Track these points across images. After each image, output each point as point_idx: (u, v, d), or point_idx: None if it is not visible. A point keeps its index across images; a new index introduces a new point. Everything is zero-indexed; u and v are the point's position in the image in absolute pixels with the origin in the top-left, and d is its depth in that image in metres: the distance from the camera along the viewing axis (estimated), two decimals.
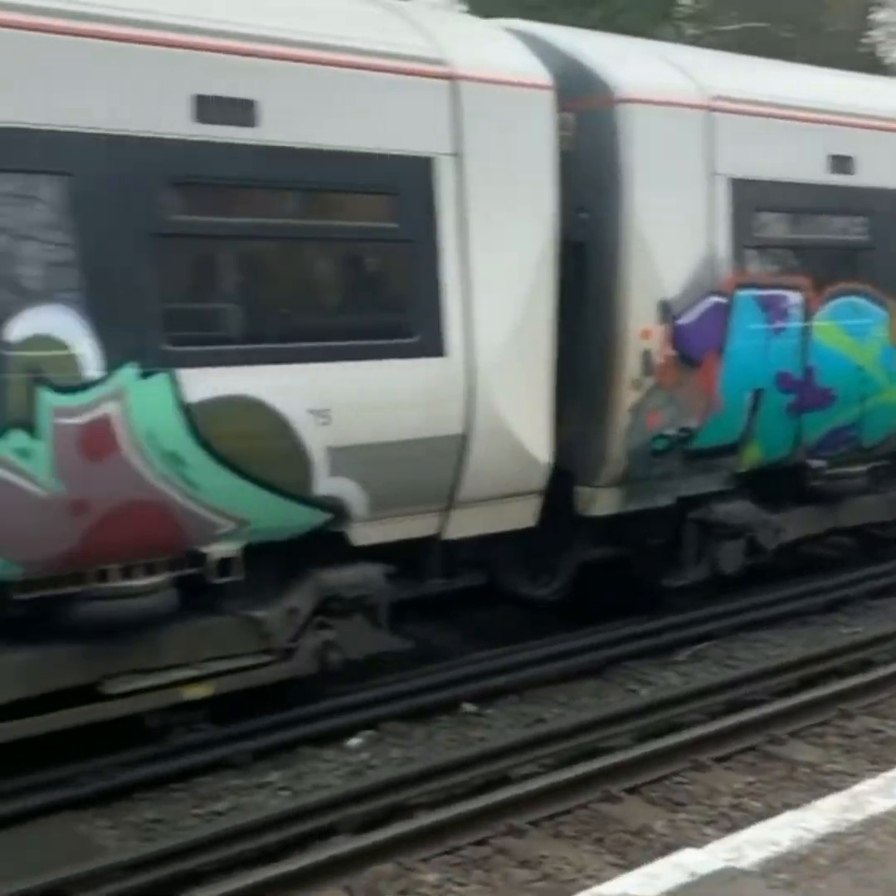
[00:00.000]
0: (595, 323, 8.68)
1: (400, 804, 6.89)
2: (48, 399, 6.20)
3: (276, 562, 7.48)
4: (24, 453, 6.16)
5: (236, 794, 7.09)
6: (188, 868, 6.19)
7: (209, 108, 6.66)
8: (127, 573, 6.81)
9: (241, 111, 6.77)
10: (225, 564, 7.13)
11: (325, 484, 7.30)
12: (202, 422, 6.71)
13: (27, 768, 6.91)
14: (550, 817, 6.84)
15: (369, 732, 7.85)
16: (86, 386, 6.32)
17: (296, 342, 7.14)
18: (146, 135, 6.47)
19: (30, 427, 6.16)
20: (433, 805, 6.89)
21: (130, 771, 7.08)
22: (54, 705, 6.83)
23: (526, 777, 7.24)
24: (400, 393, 7.52)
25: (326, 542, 7.59)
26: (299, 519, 7.35)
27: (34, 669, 6.59)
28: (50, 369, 6.21)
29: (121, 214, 6.42)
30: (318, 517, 7.41)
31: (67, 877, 5.94)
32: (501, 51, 8.12)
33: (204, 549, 7.02)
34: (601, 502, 8.91)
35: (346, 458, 7.32)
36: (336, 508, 7.44)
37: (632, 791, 7.14)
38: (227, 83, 6.73)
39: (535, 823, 6.75)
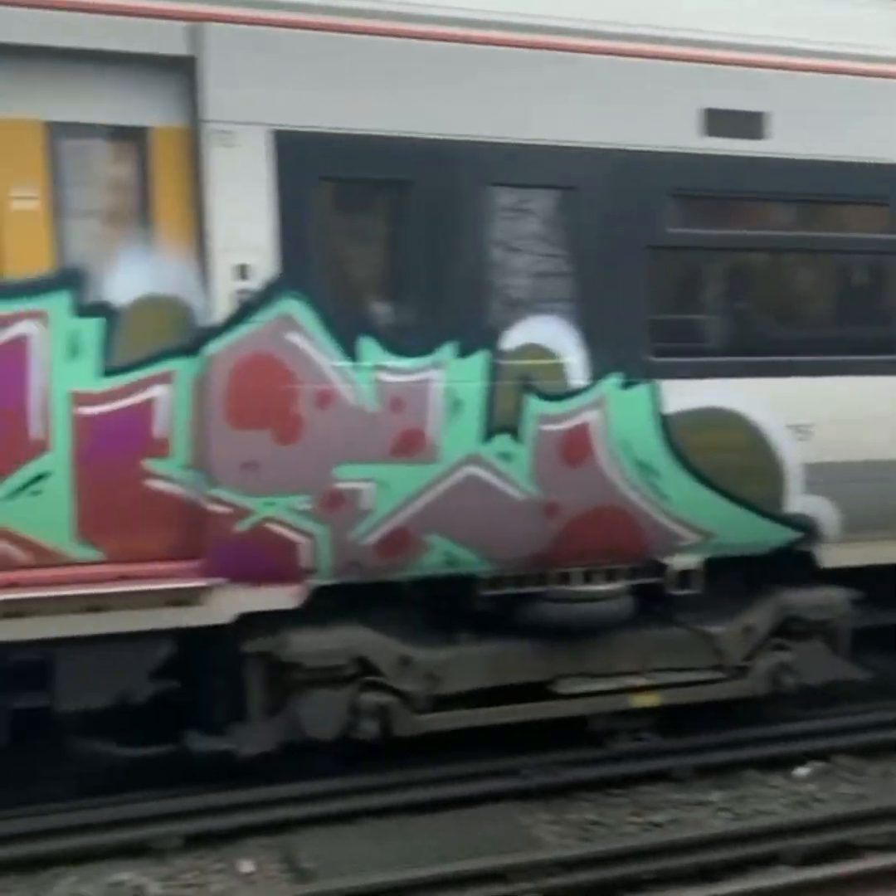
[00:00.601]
0: None
1: (848, 842, 7.49)
2: (534, 406, 7.41)
3: (735, 577, 8.39)
4: (506, 457, 7.41)
5: (676, 807, 8.05)
6: (625, 874, 7.14)
7: (718, 121, 7.57)
8: (587, 578, 7.94)
9: (750, 124, 7.65)
10: (684, 576, 8.11)
11: (798, 501, 8.11)
12: (677, 433, 7.70)
13: (476, 756, 8.22)
14: None
15: (819, 764, 8.58)
16: (570, 394, 7.47)
17: (779, 355, 7.97)
18: (653, 149, 7.48)
19: (514, 432, 7.39)
20: (884, 848, 7.43)
21: (573, 770, 8.21)
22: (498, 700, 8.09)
23: None
24: (889, 410, 8.17)
25: (791, 561, 8.39)
26: (767, 536, 8.18)
27: (496, 663, 7.88)
28: (538, 378, 7.40)
29: (620, 227, 7.48)
30: (786, 535, 8.23)
31: (510, 864, 7.07)
32: None
33: (665, 560, 8.04)
34: None
35: (823, 476, 8.07)
36: (806, 527, 8.23)
37: None
38: (738, 96, 7.61)
39: None
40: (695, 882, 7.13)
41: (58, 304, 6.57)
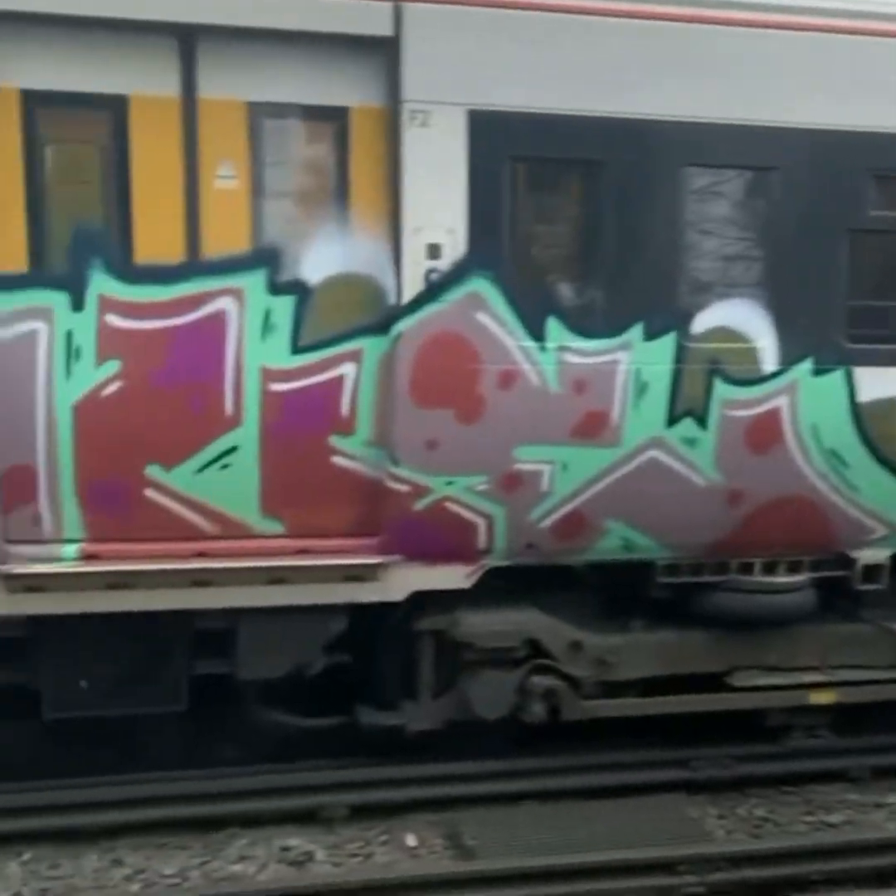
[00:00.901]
0: None
1: None
2: (722, 391, 7.86)
3: None
4: (690, 442, 7.89)
5: (851, 808, 8.54)
6: (794, 873, 7.64)
7: None
8: (769, 569, 8.42)
9: None
10: (870, 571, 8.52)
11: None
12: (870, 422, 8.10)
13: (644, 745, 8.80)
14: None
15: None
16: (761, 380, 7.90)
17: None
18: (857, 129, 7.81)
19: (700, 417, 7.86)
20: None
21: (744, 765, 8.73)
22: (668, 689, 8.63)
23: None
24: None
25: None
26: None
27: (670, 651, 8.42)
28: (728, 362, 7.84)
29: (819, 209, 7.86)
30: None
31: (676, 855, 7.61)
32: None
33: (852, 553, 8.45)
34: None
35: None
36: None
37: None
38: None
39: None
40: (869, 885, 7.63)
41: (254, 282, 7.23)
